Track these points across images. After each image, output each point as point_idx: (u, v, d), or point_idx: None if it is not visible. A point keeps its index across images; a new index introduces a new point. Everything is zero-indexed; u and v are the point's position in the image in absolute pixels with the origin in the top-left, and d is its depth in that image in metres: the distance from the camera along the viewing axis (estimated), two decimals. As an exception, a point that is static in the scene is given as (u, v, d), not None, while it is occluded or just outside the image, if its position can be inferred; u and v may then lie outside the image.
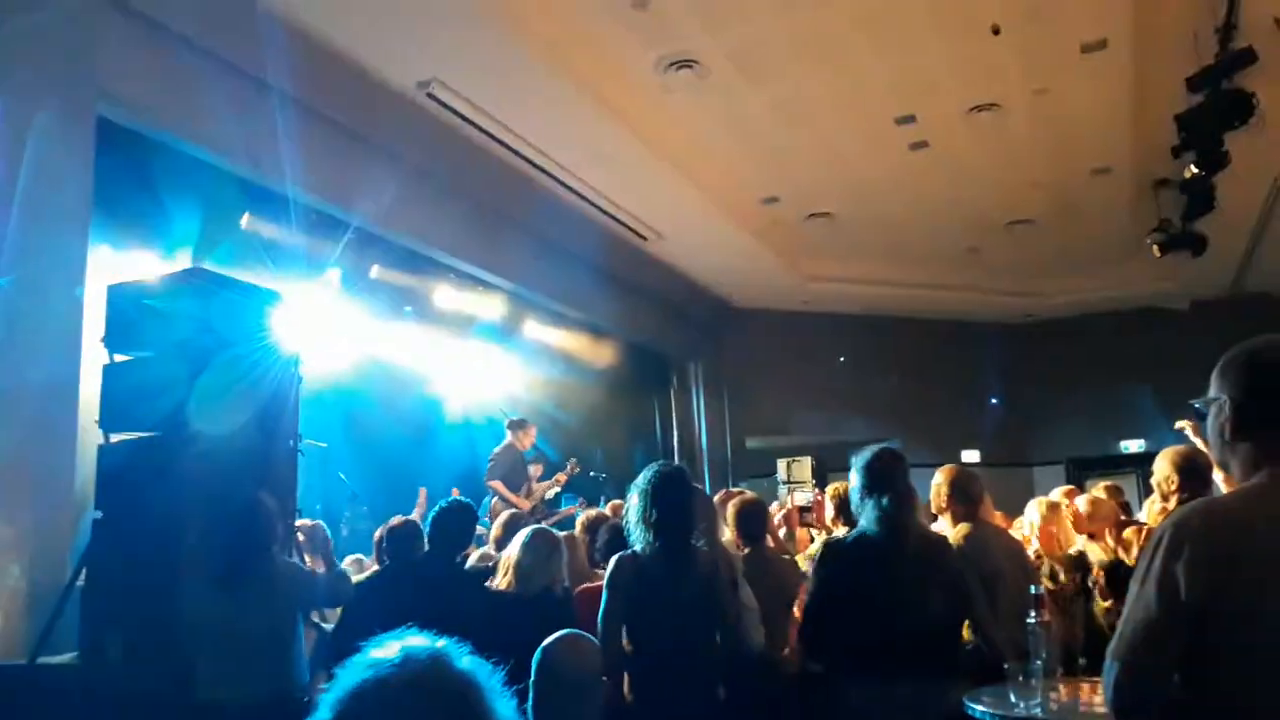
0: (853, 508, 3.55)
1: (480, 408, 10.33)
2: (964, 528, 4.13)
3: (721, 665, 3.49)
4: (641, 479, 3.58)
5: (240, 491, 3.90)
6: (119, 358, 4.45)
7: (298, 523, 4.65)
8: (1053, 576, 4.53)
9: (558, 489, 8.79)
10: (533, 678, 2.65)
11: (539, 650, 2.73)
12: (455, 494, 6.68)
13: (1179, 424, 4.59)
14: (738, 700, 3.55)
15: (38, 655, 3.90)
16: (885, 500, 3.33)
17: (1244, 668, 1.60)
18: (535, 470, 8.79)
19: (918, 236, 10.81)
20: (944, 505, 4.29)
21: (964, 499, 4.24)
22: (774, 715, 3.99)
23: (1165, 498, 3.96)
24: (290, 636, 3.95)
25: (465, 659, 1.16)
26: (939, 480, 4.35)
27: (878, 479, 3.38)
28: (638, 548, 3.51)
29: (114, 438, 4.34)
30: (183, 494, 4.06)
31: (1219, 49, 6.17)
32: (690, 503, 3.58)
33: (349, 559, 6.25)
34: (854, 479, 3.47)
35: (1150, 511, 4.79)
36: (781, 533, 5.91)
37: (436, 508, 4.50)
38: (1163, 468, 3.95)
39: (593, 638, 2.92)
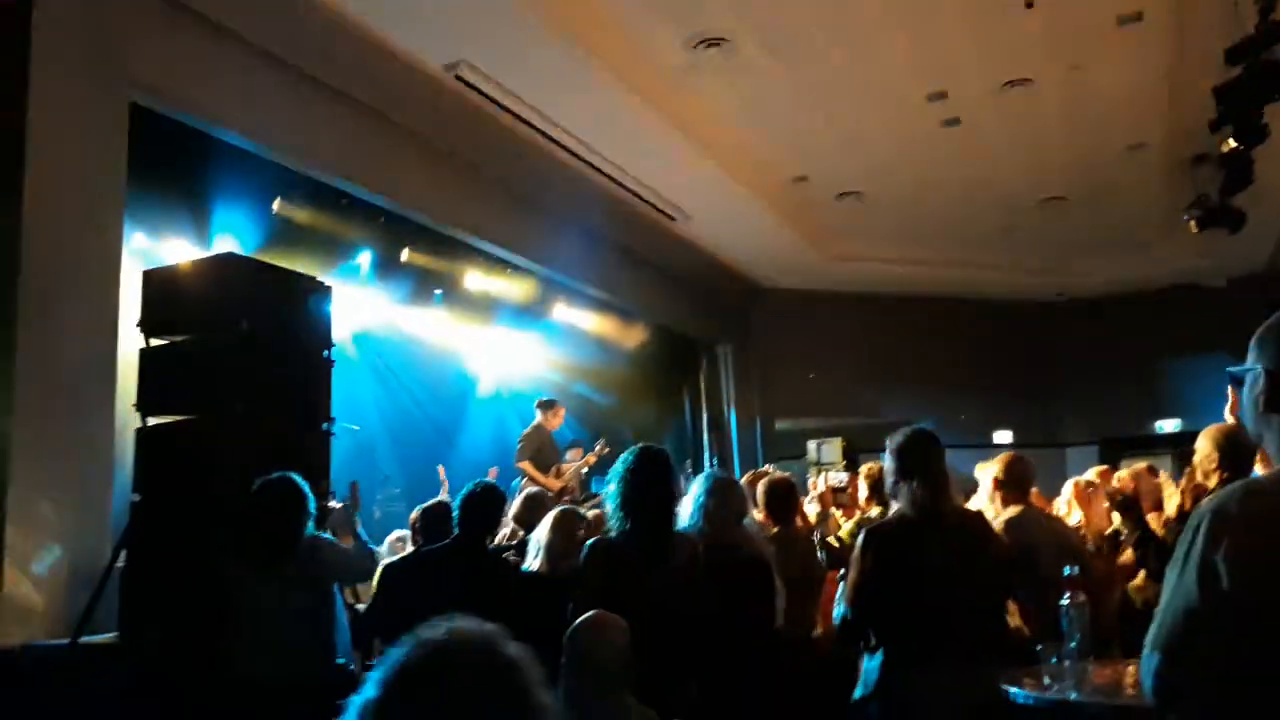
0: (887, 490, 3.51)
1: (511, 388, 10.38)
2: (1012, 510, 4.11)
3: (702, 655, 3.27)
4: (620, 463, 3.43)
5: (276, 473, 3.93)
6: (155, 342, 4.51)
7: (331, 504, 4.70)
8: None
9: (586, 469, 8.76)
10: (563, 658, 2.66)
11: (569, 631, 2.74)
12: (493, 475, 6.73)
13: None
14: (753, 684, 3.46)
15: (79, 636, 3.98)
16: (917, 484, 3.29)
17: None
18: (574, 453, 8.75)
19: (949, 215, 10.68)
20: (995, 491, 4.28)
21: (1016, 486, 4.25)
22: (794, 698, 3.95)
23: (1205, 476, 3.89)
24: (329, 614, 3.99)
25: (512, 644, 1.17)
26: (995, 467, 4.35)
27: (910, 462, 3.34)
28: (613, 534, 3.39)
29: (151, 421, 4.41)
30: (219, 476, 4.13)
31: (1259, 19, 6.03)
32: (670, 486, 3.44)
33: (392, 536, 6.29)
34: (887, 462, 3.43)
35: (1181, 489, 4.71)
36: (813, 511, 5.88)
37: (465, 489, 4.52)
38: (1204, 446, 3.88)
39: (620, 619, 2.91)
